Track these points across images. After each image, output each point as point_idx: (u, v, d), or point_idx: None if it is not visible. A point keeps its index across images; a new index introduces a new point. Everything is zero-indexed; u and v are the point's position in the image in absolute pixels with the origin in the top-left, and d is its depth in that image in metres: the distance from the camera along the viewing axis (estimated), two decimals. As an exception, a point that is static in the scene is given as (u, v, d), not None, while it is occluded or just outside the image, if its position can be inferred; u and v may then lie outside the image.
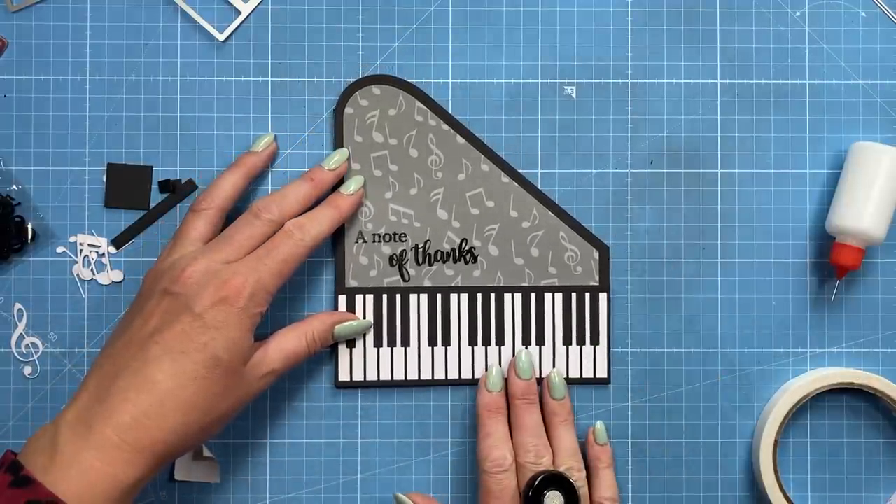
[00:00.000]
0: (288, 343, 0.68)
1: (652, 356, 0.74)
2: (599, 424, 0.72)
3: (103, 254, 0.73)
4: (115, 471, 0.60)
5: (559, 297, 0.73)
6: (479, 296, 0.73)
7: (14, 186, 0.72)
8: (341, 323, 0.71)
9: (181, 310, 0.64)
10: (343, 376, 0.73)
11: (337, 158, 0.71)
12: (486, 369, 0.72)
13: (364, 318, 0.73)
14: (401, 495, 0.71)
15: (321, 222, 0.69)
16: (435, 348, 0.73)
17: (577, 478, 0.70)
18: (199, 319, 0.63)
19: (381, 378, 0.73)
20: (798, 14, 0.74)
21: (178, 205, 0.73)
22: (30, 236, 0.72)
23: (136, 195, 0.73)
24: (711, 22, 0.74)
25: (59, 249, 0.73)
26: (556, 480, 0.68)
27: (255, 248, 0.67)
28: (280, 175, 0.73)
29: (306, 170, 0.72)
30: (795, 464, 0.74)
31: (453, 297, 0.73)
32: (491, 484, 0.69)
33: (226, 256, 0.66)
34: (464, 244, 0.73)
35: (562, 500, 0.68)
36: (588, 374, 0.73)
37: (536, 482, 0.68)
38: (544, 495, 0.68)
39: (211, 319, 0.63)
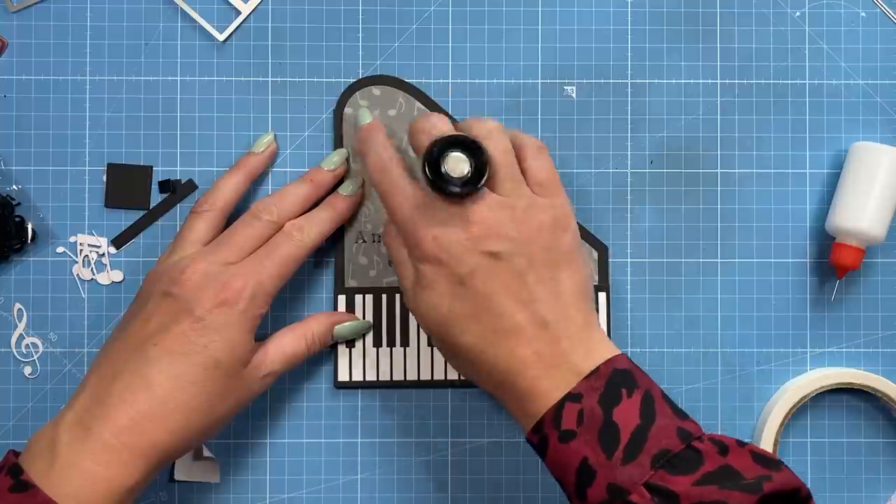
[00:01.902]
0: (287, 344, 0.68)
1: (652, 356, 0.74)
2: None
3: (103, 254, 0.73)
4: (114, 474, 0.60)
5: (559, 297, 0.73)
6: (479, 296, 0.73)
7: (14, 186, 0.73)
8: (341, 323, 0.71)
9: (181, 312, 0.64)
10: (343, 376, 0.73)
11: (336, 159, 0.71)
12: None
13: (364, 318, 0.73)
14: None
15: (320, 224, 0.69)
16: (435, 348, 0.73)
17: (490, 141, 0.63)
18: (200, 322, 0.63)
19: (381, 378, 0.73)
20: (798, 14, 0.74)
21: (178, 205, 0.73)
22: (30, 236, 0.72)
23: (136, 195, 0.73)
24: (711, 22, 0.74)
25: (59, 249, 0.73)
26: (458, 144, 0.60)
27: (254, 250, 0.67)
28: (280, 175, 0.73)
29: (306, 170, 0.72)
30: (795, 464, 0.74)
31: (453, 297, 0.73)
32: (383, 182, 0.65)
33: (226, 258, 0.66)
34: (464, 244, 0.73)
35: (468, 161, 0.60)
36: (588, 374, 0.73)
37: (436, 147, 0.60)
38: (446, 157, 0.60)
39: (211, 322, 0.63)
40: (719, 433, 0.60)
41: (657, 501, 0.56)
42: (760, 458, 0.58)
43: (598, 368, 0.60)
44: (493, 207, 0.62)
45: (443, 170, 0.61)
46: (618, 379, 0.59)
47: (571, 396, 0.59)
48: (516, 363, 0.61)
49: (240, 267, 0.66)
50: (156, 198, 0.73)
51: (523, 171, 0.65)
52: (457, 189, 0.61)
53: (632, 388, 0.59)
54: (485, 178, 0.61)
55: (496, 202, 0.62)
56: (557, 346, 0.61)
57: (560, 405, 0.59)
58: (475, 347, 0.62)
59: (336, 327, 0.71)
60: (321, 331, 0.70)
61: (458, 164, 0.61)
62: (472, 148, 0.61)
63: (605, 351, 0.61)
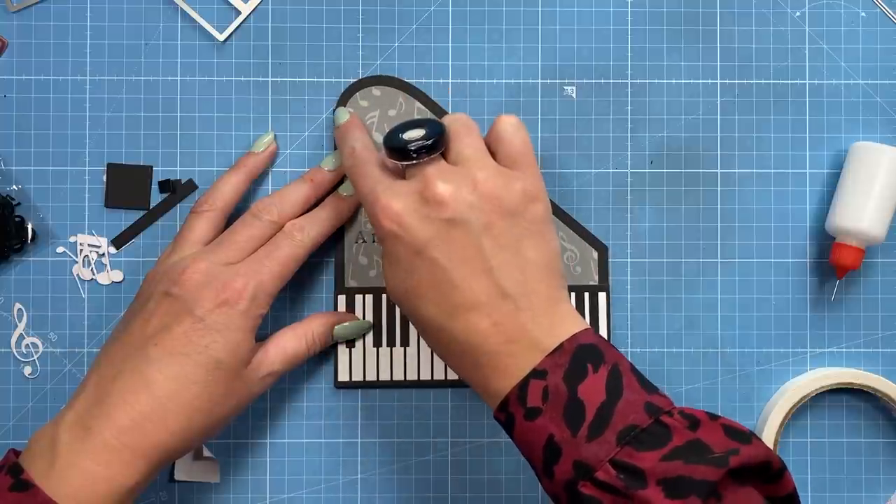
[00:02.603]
0: (288, 344, 0.69)
1: (652, 356, 0.74)
2: None
3: (103, 254, 0.73)
4: (115, 474, 0.60)
5: (559, 297, 0.73)
6: (479, 296, 0.73)
7: (14, 186, 0.72)
8: (341, 323, 0.71)
9: (181, 312, 0.64)
10: (343, 376, 0.73)
11: (336, 160, 0.71)
12: None
13: (364, 318, 0.73)
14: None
15: (321, 224, 0.69)
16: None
17: (449, 118, 0.64)
18: (200, 322, 0.63)
19: (381, 378, 0.73)
20: (798, 14, 0.74)
21: (178, 205, 0.73)
22: (30, 236, 0.72)
23: (136, 195, 0.73)
24: (711, 22, 0.74)
25: (59, 249, 0.73)
26: (419, 125, 0.63)
27: (255, 250, 0.67)
28: (280, 175, 0.73)
29: (306, 170, 0.72)
30: (795, 464, 0.74)
31: (453, 297, 0.73)
32: (353, 167, 0.66)
33: (226, 258, 0.66)
34: (464, 244, 0.73)
35: (422, 132, 0.61)
36: (588, 374, 0.73)
37: (398, 124, 0.63)
38: (405, 132, 0.62)
39: (212, 322, 0.63)
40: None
41: (623, 478, 0.55)
42: (731, 431, 0.57)
43: (561, 345, 0.59)
44: (450, 175, 0.61)
45: (399, 137, 0.62)
46: (583, 354, 0.58)
47: (536, 373, 0.58)
48: (475, 335, 0.60)
49: (240, 267, 0.66)
50: (156, 198, 0.73)
51: (496, 145, 0.63)
52: (413, 154, 0.61)
53: (598, 363, 0.58)
54: (440, 142, 0.61)
55: (453, 170, 0.61)
56: (518, 318, 0.60)
57: (525, 382, 0.58)
58: (435, 320, 0.61)
59: (336, 327, 0.71)
60: (321, 331, 0.70)
61: (414, 133, 0.62)
62: (430, 123, 0.62)
63: (570, 325, 0.60)
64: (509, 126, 0.63)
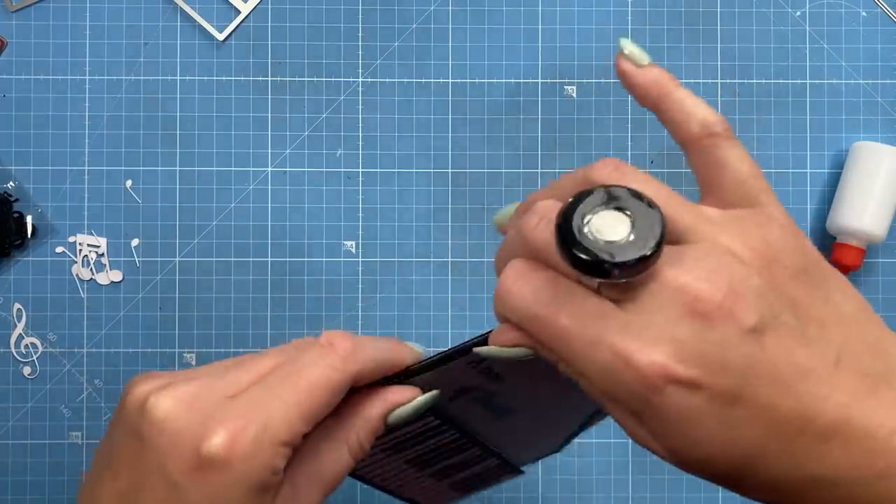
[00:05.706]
0: (325, 467, 0.45)
1: (652, 356, 0.73)
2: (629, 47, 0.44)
3: (102, 254, 0.73)
4: None
5: (559, 296, 0.72)
6: (479, 296, 0.72)
7: (11, 184, 0.72)
8: (395, 407, 0.45)
9: (150, 471, 0.42)
10: (343, 376, 0.73)
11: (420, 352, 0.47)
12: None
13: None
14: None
15: (374, 350, 0.45)
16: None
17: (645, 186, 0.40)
18: (175, 492, 0.41)
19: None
20: (798, 14, 0.74)
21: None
22: (30, 231, 0.72)
23: None
24: (711, 22, 0.74)
25: (59, 249, 0.73)
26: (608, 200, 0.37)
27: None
28: (279, 174, 0.73)
29: (305, 170, 0.72)
30: (796, 464, 0.74)
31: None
32: (552, 315, 0.38)
33: (233, 384, 0.43)
34: (464, 244, 0.72)
35: (628, 222, 0.37)
36: (588, 374, 0.73)
37: (569, 205, 0.37)
38: (585, 222, 0.36)
39: (191, 495, 0.41)
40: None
41: None
42: None
43: None
44: (704, 266, 0.38)
45: (590, 237, 0.36)
46: None
47: None
48: (857, 467, 0.37)
49: (240, 402, 0.42)
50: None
51: (717, 179, 0.44)
52: (628, 260, 0.36)
53: None
54: (662, 244, 0.37)
55: (698, 258, 0.38)
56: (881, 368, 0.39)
57: None
58: (786, 478, 0.38)
59: (391, 416, 0.45)
60: (368, 429, 0.45)
61: (611, 226, 0.37)
62: (625, 199, 0.37)
63: None
64: (729, 150, 0.43)
